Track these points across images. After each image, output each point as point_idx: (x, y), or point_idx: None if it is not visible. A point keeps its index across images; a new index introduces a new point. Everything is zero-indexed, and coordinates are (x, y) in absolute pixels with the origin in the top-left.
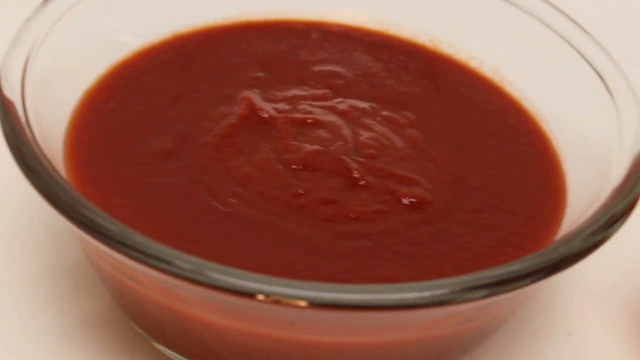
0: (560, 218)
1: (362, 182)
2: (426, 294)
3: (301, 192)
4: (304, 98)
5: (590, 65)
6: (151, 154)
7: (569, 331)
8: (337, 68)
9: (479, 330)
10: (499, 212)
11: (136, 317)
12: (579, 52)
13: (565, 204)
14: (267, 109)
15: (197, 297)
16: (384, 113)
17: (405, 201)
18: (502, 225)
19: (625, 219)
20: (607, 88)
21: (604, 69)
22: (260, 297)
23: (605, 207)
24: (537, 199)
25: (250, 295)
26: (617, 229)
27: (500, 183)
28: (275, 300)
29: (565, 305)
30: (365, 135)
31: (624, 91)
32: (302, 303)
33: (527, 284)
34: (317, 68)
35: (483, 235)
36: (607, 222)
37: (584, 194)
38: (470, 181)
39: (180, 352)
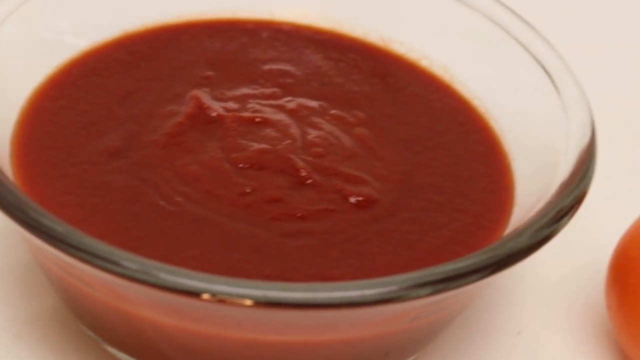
0: (508, 215)
1: (309, 181)
2: (373, 291)
3: (248, 190)
4: (253, 97)
5: (539, 63)
6: (99, 153)
7: (518, 330)
8: (287, 67)
9: (427, 328)
10: (446, 211)
11: (85, 319)
12: (527, 50)
13: (513, 202)
14: (216, 107)
15: (143, 297)
16: (333, 112)
17: (352, 200)
18: (449, 223)
19: (573, 214)
20: (555, 85)
21: (552, 66)
22: (206, 296)
23: (553, 202)
24: (485, 197)
25: (195, 294)
26: (565, 223)
27: (449, 181)
28: (220, 300)
29: (515, 305)
30: (313, 133)
31: (571, 88)
32: (248, 302)
33: (475, 280)
34: (267, 67)
35: (430, 234)
36: (555, 216)
37: (531, 191)
38: (419, 180)
39: (130, 353)
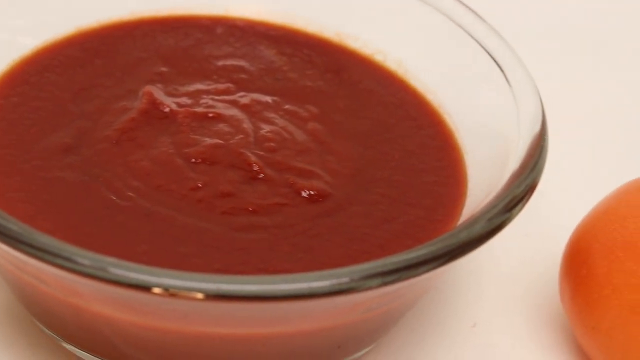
0: (460, 209)
1: (261, 176)
2: (325, 283)
3: (199, 185)
4: (207, 92)
5: (491, 56)
6: (51, 149)
7: (473, 322)
8: (240, 62)
9: (380, 320)
10: (397, 205)
11: (40, 316)
12: (480, 44)
13: (465, 195)
14: (169, 103)
15: (95, 292)
16: (287, 107)
17: (304, 194)
18: (400, 217)
19: (525, 202)
20: (507, 78)
21: (504, 60)
22: (157, 290)
23: (505, 191)
24: (437, 191)
25: (147, 289)
26: (517, 212)
27: (401, 175)
28: (172, 294)
29: (470, 297)
30: (266, 128)
31: (522, 80)
32: (199, 295)
33: (428, 270)
34: (221, 62)
35: (381, 228)
36: (507, 205)
37: (484, 183)
38: (371, 174)
39: (85, 349)
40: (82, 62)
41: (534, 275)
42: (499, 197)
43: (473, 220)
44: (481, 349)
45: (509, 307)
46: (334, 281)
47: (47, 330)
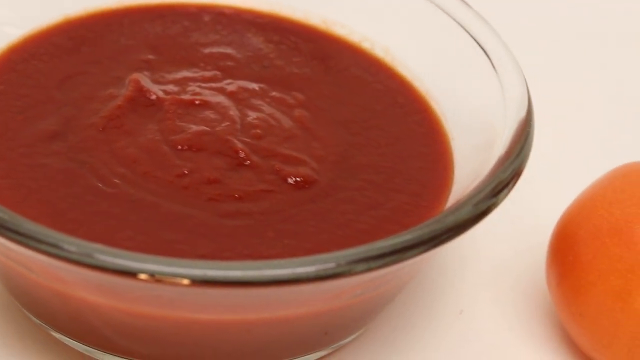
0: (446, 195)
1: (247, 162)
2: (312, 268)
3: (185, 172)
4: (193, 80)
5: (478, 43)
6: (36, 136)
7: (460, 309)
8: (227, 50)
9: (366, 306)
10: (383, 191)
11: (27, 304)
12: (466, 31)
13: (452, 181)
14: (155, 90)
15: (81, 279)
16: (273, 94)
17: (290, 180)
18: (386, 203)
19: (512, 187)
20: (493, 65)
21: (491, 47)
22: (143, 276)
23: (491, 176)
24: (423, 177)
25: (133, 274)
26: (504, 197)
27: (387, 162)
28: (158, 279)
29: (457, 284)
30: (252, 115)
31: (509, 67)
32: (185, 281)
33: (415, 255)
34: (207, 50)
35: (367, 214)
36: (493, 190)
37: (470, 170)
38: (357, 160)
39: (72, 337)
40: (69, 50)
41: (521, 262)
42: (485, 182)
43: (459, 205)
44: (468, 335)
45: (495, 294)
46: (320, 267)
47: (35, 319)
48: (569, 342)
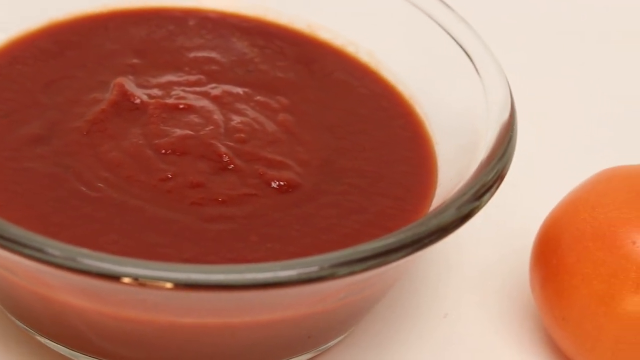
0: (430, 199)
1: (231, 166)
2: (293, 272)
3: (169, 176)
4: (178, 84)
5: (462, 48)
6: (20, 140)
7: (444, 313)
8: (212, 54)
9: (350, 309)
10: (367, 195)
11: (11, 308)
12: (450, 35)
13: (435, 185)
14: (139, 94)
15: (64, 282)
16: (258, 98)
17: (274, 184)
18: (370, 207)
19: (495, 190)
20: (476, 69)
21: (474, 51)
22: (127, 280)
23: (475, 179)
24: (407, 181)
25: (116, 278)
26: (488, 199)
27: (371, 166)
28: (141, 283)
29: (442, 288)
30: (237, 119)
31: (492, 71)
32: (168, 285)
33: (399, 258)
34: (192, 54)
35: (350, 218)
36: (477, 192)
37: (453, 174)
38: (341, 164)
39: (56, 341)
40: (54, 54)
41: (505, 266)
42: (468, 185)
43: (442, 209)
44: (452, 338)
45: (480, 298)
46: (302, 270)
47: (19, 323)
48: (553, 345)
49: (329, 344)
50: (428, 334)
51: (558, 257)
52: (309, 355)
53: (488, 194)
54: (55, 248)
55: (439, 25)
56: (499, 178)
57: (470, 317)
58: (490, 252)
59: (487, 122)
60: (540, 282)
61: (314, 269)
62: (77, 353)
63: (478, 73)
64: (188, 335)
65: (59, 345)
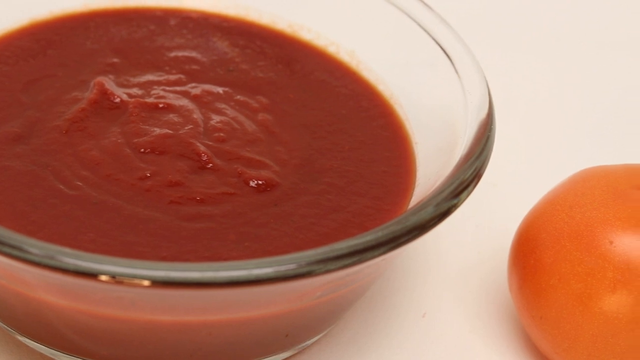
0: (408, 198)
1: (210, 165)
2: (269, 270)
3: (148, 175)
4: (158, 83)
5: (441, 48)
6: (0, 138)
7: (423, 312)
8: (193, 54)
9: (327, 308)
10: (346, 194)
11: None
12: (431, 36)
13: (414, 185)
14: (119, 93)
15: (42, 281)
16: (238, 97)
17: (252, 183)
18: (348, 207)
19: (474, 187)
20: (456, 70)
21: (453, 51)
22: (105, 277)
23: (453, 176)
24: (386, 181)
25: (93, 275)
26: (466, 196)
27: (350, 165)
28: (118, 281)
29: (420, 287)
30: (216, 119)
31: (471, 71)
32: (145, 282)
33: (376, 256)
34: (173, 54)
35: (328, 217)
36: (455, 190)
37: (432, 173)
38: (320, 164)
39: (38, 341)
40: (35, 53)
41: (484, 266)
42: (446, 183)
43: (420, 206)
44: (431, 337)
45: (458, 298)
46: (277, 268)
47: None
48: (530, 345)
49: (307, 342)
50: (407, 334)
51: (536, 256)
52: (288, 354)
53: (466, 192)
54: (34, 246)
55: (419, 25)
56: (477, 176)
57: (449, 316)
58: (470, 252)
59: (466, 122)
60: (518, 281)
61: (291, 266)
62: (56, 352)
63: (457, 73)
64: (165, 333)
65: (38, 344)
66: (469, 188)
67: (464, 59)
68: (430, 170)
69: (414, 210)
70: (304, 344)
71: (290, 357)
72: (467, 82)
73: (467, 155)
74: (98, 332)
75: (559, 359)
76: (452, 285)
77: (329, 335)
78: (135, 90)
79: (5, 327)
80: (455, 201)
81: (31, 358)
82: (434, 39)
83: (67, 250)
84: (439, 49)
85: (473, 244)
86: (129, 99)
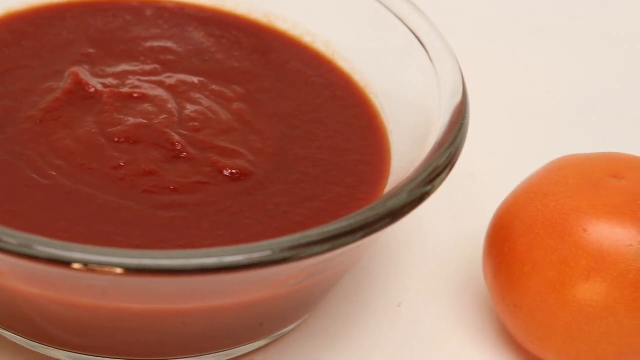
0: (382, 187)
1: (184, 155)
2: (240, 257)
3: (122, 164)
4: (133, 73)
5: (416, 37)
6: None
7: (399, 302)
8: (168, 44)
9: (300, 296)
10: (320, 183)
11: None
12: (406, 25)
13: (388, 174)
14: (94, 83)
15: (14, 269)
16: (213, 87)
17: (226, 172)
18: (322, 195)
19: (448, 174)
20: (430, 58)
21: (428, 40)
22: (77, 266)
23: (427, 163)
24: (361, 170)
25: (66, 263)
26: (441, 182)
27: (324, 154)
28: (90, 269)
29: (396, 277)
30: (191, 108)
31: (444, 58)
32: (118, 270)
33: (349, 242)
34: (148, 44)
35: (302, 206)
36: (429, 176)
37: (406, 162)
38: (295, 153)
39: (12, 331)
40: (9, 43)
41: (460, 256)
42: (420, 170)
43: (394, 193)
44: (406, 328)
45: (434, 287)
46: (249, 255)
47: None
48: (505, 333)
49: (282, 331)
50: (382, 323)
51: (510, 245)
52: (263, 343)
53: (439, 179)
54: (10, 235)
55: (394, 14)
56: (450, 162)
57: (425, 306)
58: (446, 242)
59: (440, 110)
60: (493, 270)
61: (263, 253)
62: (31, 342)
63: (432, 62)
64: (138, 322)
65: (12, 334)
66: (443, 175)
67: (439, 48)
68: (405, 159)
69: (388, 197)
70: (278, 333)
71: (265, 346)
72: (442, 70)
73: (440, 142)
74: (71, 321)
75: (533, 347)
76: (428, 275)
77: (304, 324)
78: (110, 80)
79: None
80: (428, 188)
81: (5, 348)
82: (409, 28)
83: (40, 238)
84: (414, 38)
85: (450, 234)
86: (104, 89)
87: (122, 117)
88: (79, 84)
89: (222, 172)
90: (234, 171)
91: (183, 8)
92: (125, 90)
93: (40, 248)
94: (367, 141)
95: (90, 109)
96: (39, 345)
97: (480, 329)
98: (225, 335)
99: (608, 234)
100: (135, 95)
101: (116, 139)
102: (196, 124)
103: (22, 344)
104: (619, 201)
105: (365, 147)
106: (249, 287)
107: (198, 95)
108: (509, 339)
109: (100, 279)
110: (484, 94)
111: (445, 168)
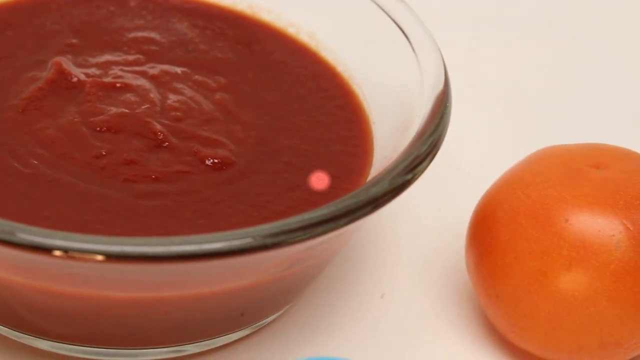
0: (364, 177)
1: (166, 144)
2: (219, 244)
3: (103, 153)
4: (116, 63)
5: (400, 27)
6: None
7: (382, 293)
8: (152, 34)
9: (282, 285)
10: (302, 173)
11: None
12: (389, 16)
13: (371, 164)
14: (77, 73)
15: None
16: (196, 77)
17: (208, 162)
18: (304, 185)
19: (429, 162)
20: (413, 49)
21: (411, 30)
22: (58, 253)
23: (408, 152)
24: (344, 160)
25: (48, 251)
26: (423, 170)
27: (307, 145)
28: (71, 256)
29: (378, 268)
30: (173, 98)
31: (427, 48)
32: (98, 257)
33: (329, 230)
34: (132, 35)
35: (284, 195)
36: (410, 165)
37: (388, 153)
38: (277, 143)
39: None
40: None
41: (443, 246)
42: (401, 158)
43: (375, 182)
44: (389, 319)
45: (417, 278)
46: (229, 243)
47: None
48: (488, 324)
49: (264, 321)
50: (364, 314)
51: (492, 235)
52: (245, 333)
53: (420, 167)
54: None
55: (378, 5)
56: (432, 151)
57: (408, 297)
58: (429, 232)
59: (422, 100)
60: (475, 260)
61: (244, 241)
62: (13, 331)
63: (415, 52)
64: (120, 310)
65: None
66: (424, 163)
67: (421, 39)
68: (388, 149)
69: (369, 185)
70: (260, 323)
71: (247, 336)
72: (424, 60)
73: (421, 131)
74: (53, 310)
75: (515, 337)
76: (411, 266)
77: (286, 314)
78: (93, 70)
79: None
80: (409, 176)
81: None
82: (392, 19)
83: (22, 225)
84: (398, 29)
85: (434, 225)
86: (87, 79)
87: (104, 106)
88: (62, 73)
89: (203, 162)
90: (215, 161)
91: None
92: (108, 80)
93: (21, 235)
94: (350, 132)
95: (72, 98)
96: (22, 335)
97: (462, 320)
98: (207, 324)
99: (590, 224)
100: (118, 85)
101: (98, 128)
102: (178, 113)
103: (4, 334)
104: (601, 191)
105: (348, 138)
106: (229, 275)
107: (181, 86)
108: (491, 329)
109: (82, 266)
110: (468, 85)
111: (426, 157)
